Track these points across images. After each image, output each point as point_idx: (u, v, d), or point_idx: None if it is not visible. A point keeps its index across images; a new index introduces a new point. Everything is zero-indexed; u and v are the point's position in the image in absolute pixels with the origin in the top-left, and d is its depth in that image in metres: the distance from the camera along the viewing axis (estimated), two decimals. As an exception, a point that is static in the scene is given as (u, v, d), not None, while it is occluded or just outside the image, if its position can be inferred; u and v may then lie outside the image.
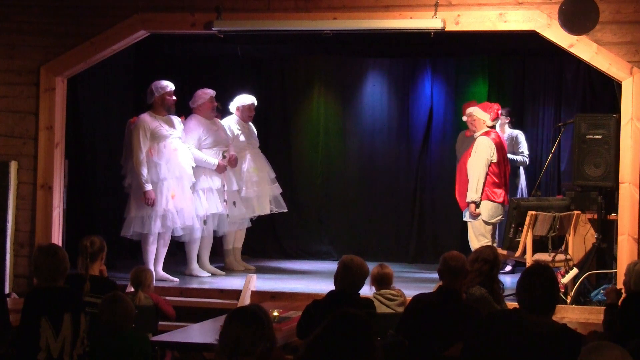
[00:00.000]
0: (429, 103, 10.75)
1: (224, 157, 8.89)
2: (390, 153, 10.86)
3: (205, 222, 8.79)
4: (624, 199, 7.49)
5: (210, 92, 8.97)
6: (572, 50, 7.53)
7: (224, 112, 9.43)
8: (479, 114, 8.50)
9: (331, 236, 10.88)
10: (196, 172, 8.75)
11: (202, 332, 6.03)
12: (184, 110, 9.00)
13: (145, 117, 8.46)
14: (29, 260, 7.92)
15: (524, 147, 9.72)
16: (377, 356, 3.36)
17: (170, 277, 8.55)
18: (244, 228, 9.43)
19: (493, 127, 8.50)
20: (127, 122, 8.64)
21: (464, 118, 9.04)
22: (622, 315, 4.62)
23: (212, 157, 8.80)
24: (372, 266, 6.11)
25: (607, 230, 8.16)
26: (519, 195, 9.63)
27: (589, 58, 7.53)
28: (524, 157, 9.68)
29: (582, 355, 3.18)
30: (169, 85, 8.57)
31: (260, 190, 9.33)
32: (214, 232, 9.10)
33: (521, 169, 9.80)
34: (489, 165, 8.31)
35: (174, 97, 8.59)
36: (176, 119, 8.69)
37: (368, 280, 5.97)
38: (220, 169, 8.82)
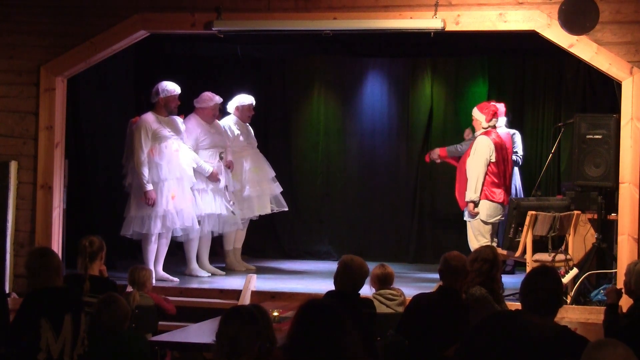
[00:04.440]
0: (429, 103, 10.75)
1: (220, 158, 8.87)
2: (390, 153, 10.85)
3: (199, 223, 8.78)
4: (624, 199, 7.48)
5: (217, 100, 8.91)
6: (572, 50, 7.52)
7: (222, 112, 9.43)
8: (476, 115, 8.49)
9: (331, 236, 10.87)
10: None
11: (202, 332, 6.02)
12: (184, 109, 8.99)
13: (148, 117, 8.45)
14: (29, 261, 7.91)
15: (519, 147, 9.66)
16: (349, 341, 3.37)
17: (170, 277, 8.55)
18: (242, 228, 9.41)
19: (494, 127, 8.48)
20: (129, 122, 8.61)
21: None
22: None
23: (208, 164, 8.74)
24: (372, 266, 6.11)
25: (607, 230, 8.16)
26: (513, 196, 9.59)
27: (589, 58, 7.52)
28: (518, 157, 9.60)
29: (586, 352, 3.18)
30: (176, 89, 8.53)
31: (261, 190, 9.33)
32: (212, 232, 9.09)
33: (515, 169, 9.76)
34: (488, 165, 8.30)
35: (178, 101, 8.59)
36: (178, 120, 8.68)
37: (368, 280, 5.98)
38: (212, 178, 8.79)
